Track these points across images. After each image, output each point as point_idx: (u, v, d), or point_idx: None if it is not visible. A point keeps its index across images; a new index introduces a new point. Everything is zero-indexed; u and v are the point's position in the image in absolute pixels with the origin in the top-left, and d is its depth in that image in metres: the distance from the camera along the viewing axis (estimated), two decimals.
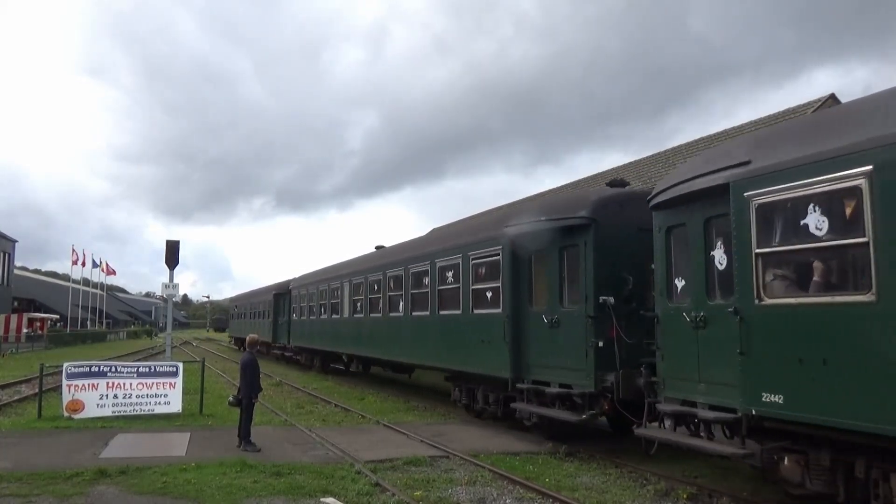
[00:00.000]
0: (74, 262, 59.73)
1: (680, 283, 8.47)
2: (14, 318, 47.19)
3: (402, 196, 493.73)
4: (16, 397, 18.17)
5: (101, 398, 13.85)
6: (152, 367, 14.83)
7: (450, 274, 14.39)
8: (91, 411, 13.68)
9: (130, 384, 14.15)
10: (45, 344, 47.28)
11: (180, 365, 14.96)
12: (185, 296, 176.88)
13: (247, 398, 11.28)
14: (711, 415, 7.44)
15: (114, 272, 73.88)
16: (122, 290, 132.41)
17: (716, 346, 7.61)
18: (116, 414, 13.83)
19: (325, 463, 9.93)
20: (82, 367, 14.22)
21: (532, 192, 32.21)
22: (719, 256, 7.74)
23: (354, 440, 11.87)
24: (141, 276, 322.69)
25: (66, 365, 14.19)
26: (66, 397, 13.76)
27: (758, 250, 6.90)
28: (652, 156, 25.40)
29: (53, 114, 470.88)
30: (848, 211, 6.10)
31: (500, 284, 12.28)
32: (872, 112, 6.14)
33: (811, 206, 6.36)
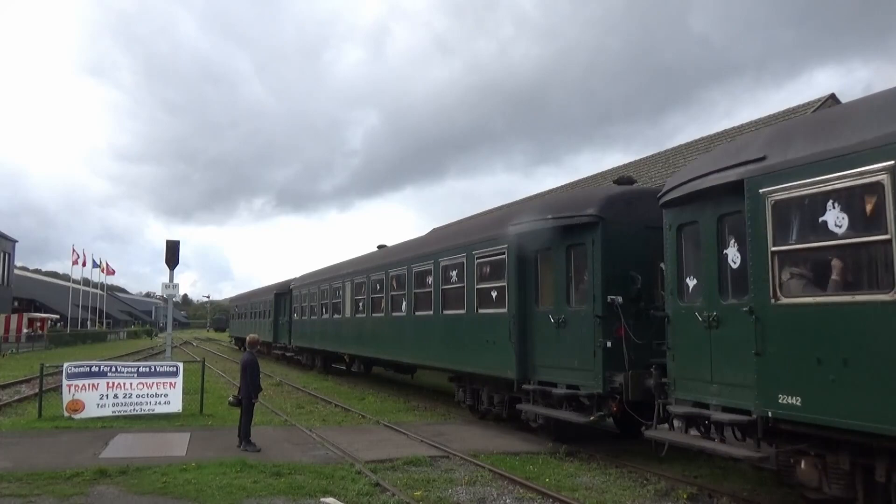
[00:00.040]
0: (74, 262, 59.70)
1: (691, 282, 8.29)
2: (14, 318, 47.15)
3: (402, 196, 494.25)
4: (16, 397, 18.17)
5: (101, 398, 13.83)
6: (152, 367, 14.84)
7: (454, 273, 14.21)
8: (91, 411, 13.67)
9: (130, 384, 14.14)
10: (45, 344, 47.26)
11: (180, 365, 14.98)
12: (185, 296, 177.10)
13: (247, 398, 11.25)
14: (726, 417, 7.26)
15: (113, 272, 73.85)
16: (123, 290, 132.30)
17: (729, 347, 7.44)
18: (116, 414, 13.81)
19: (325, 463, 9.91)
20: (82, 367, 14.20)
21: (533, 192, 32.09)
22: (733, 255, 7.57)
23: (354, 440, 11.84)
24: (141, 276, 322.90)
25: (66, 365, 14.17)
26: (67, 397, 13.75)
27: (774, 248, 6.72)
28: (652, 155, 25.34)
29: (54, 114, 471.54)
30: (868, 207, 5.92)
31: (505, 284, 12.11)
32: (894, 105, 5.97)
33: (830, 203, 6.19)
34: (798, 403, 6.36)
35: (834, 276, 6.26)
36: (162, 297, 36.26)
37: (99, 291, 72.63)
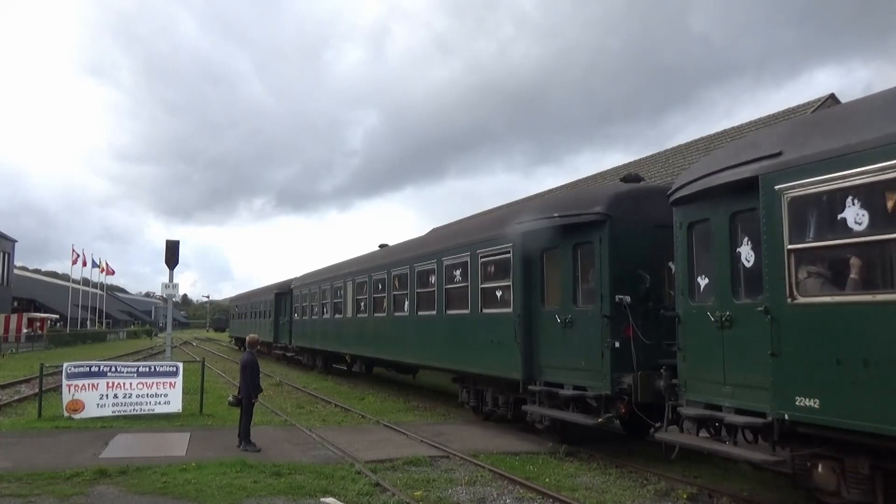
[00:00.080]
0: (74, 262, 59.53)
1: (703, 282, 8.12)
2: (14, 318, 47.08)
3: (402, 196, 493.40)
4: (16, 397, 18.14)
5: (101, 398, 13.81)
6: (152, 367, 14.84)
7: (457, 272, 14.04)
8: (91, 411, 13.64)
9: (130, 384, 14.11)
10: (45, 344, 47.22)
11: (180, 365, 14.97)
12: (185, 296, 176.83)
13: (247, 398, 11.22)
14: (741, 420, 7.08)
15: (113, 272, 73.73)
16: (122, 290, 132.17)
17: (743, 348, 7.26)
18: (116, 414, 13.78)
19: (325, 463, 9.89)
20: (82, 367, 14.18)
21: (533, 192, 31.99)
22: (746, 253, 7.39)
23: (354, 440, 11.81)
24: (141, 276, 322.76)
25: (66, 365, 14.14)
26: (66, 397, 13.72)
27: (790, 246, 6.55)
28: (652, 155, 25.27)
29: (54, 114, 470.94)
30: (890, 204, 5.74)
31: (510, 283, 11.93)
32: None
33: (849, 199, 6.01)
34: (816, 406, 6.18)
35: (853, 275, 6.08)
36: (162, 297, 36.14)
37: (99, 291, 72.51)
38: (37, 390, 15.76)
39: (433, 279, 15.22)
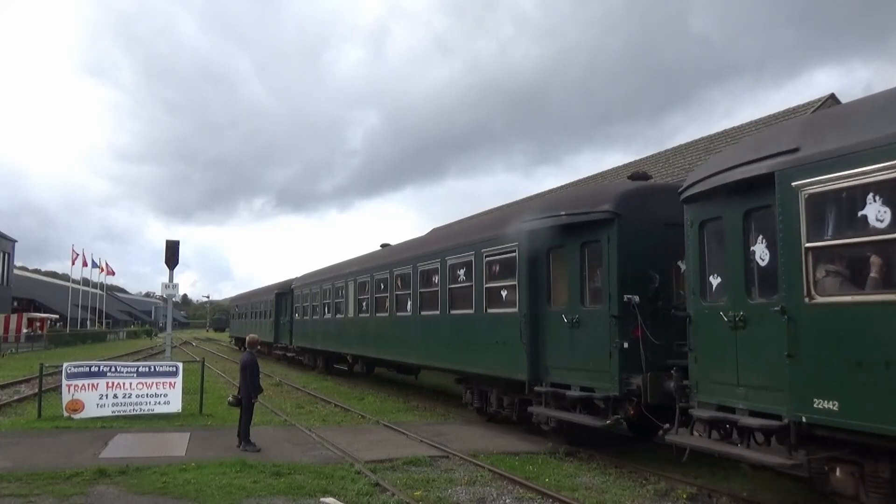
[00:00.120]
0: (74, 262, 59.37)
1: (715, 281, 7.95)
2: (14, 318, 46.98)
3: (402, 196, 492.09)
4: (16, 397, 18.11)
5: (100, 398, 13.78)
6: (152, 367, 14.86)
7: (461, 272, 13.87)
8: (91, 411, 13.61)
9: (130, 384, 14.09)
10: (45, 344, 47.12)
11: (180, 365, 14.98)
12: (185, 296, 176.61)
13: (247, 398, 11.21)
14: (756, 422, 6.90)
15: (113, 273, 73.58)
16: (122, 290, 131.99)
17: (757, 348, 7.09)
18: (116, 414, 13.75)
19: (325, 463, 9.87)
20: (82, 367, 14.16)
21: (533, 192, 31.89)
22: (761, 251, 7.23)
23: (354, 440, 11.79)
24: (141, 276, 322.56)
25: (65, 365, 14.12)
26: (66, 397, 13.70)
27: (808, 244, 6.38)
28: (652, 155, 25.17)
29: (54, 114, 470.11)
30: None
31: (516, 283, 11.76)
32: None
33: (870, 196, 5.84)
34: (835, 408, 6.01)
35: (873, 274, 5.92)
36: (162, 297, 36.01)
37: (99, 291, 72.36)
38: (37, 390, 15.75)
39: (436, 279, 15.06)
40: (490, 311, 12.67)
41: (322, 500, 7.92)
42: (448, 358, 14.48)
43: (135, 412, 13.90)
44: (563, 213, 10.64)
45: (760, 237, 7.23)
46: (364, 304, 20.30)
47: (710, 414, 7.62)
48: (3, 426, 13.03)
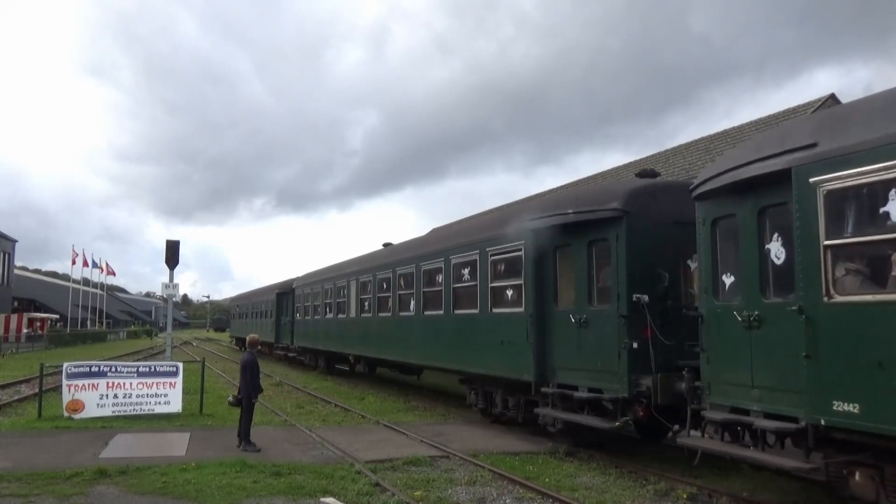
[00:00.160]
0: (74, 262, 59.20)
1: (728, 280, 7.78)
2: (14, 318, 46.85)
3: (402, 196, 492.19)
4: (16, 397, 18.08)
5: (101, 398, 13.77)
6: (152, 367, 14.86)
7: (466, 271, 13.70)
8: (91, 411, 13.60)
9: (130, 384, 14.07)
10: (45, 344, 47.00)
11: (180, 365, 14.98)
12: (185, 296, 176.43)
13: (247, 398, 11.20)
14: (772, 425, 6.72)
15: (114, 273, 73.41)
16: (122, 290, 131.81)
17: (773, 349, 6.92)
18: (116, 414, 13.74)
19: (325, 463, 9.87)
20: (82, 367, 14.15)
21: (533, 192, 31.77)
22: (776, 249, 7.05)
23: (354, 440, 11.78)
24: (141, 276, 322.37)
25: (66, 365, 14.11)
26: (66, 397, 13.68)
27: (826, 242, 6.21)
28: (652, 155, 25.10)
29: (54, 114, 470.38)
30: None
31: (521, 282, 11.58)
32: None
33: (893, 192, 5.67)
34: (856, 411, 5.84)
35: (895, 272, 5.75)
36: (162, 297, 35.87)
37: (99, 291, 72.19)
38: (37, 390, 15.73)
39: (440, 278, 14.88)
40: (495, 310, 12.49)
41: (322, 500, 7.91)
42: (452, 358, 14.31)
43: (135, 412, 13.88)
44: (570, 211, 10.46)
45: (776, 235, 7.07)
46: (366, 303, 20.13)
47: (723, 416, 7.45)
48: (4, 426, 13.02)
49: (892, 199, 5.67)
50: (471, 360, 13.33)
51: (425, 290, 15.74)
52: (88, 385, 13.73)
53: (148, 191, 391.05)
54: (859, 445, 6.10)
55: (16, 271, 59.68)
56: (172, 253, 22.18)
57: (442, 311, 14.68)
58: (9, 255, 54.51)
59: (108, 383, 13.87)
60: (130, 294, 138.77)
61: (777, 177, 6.81)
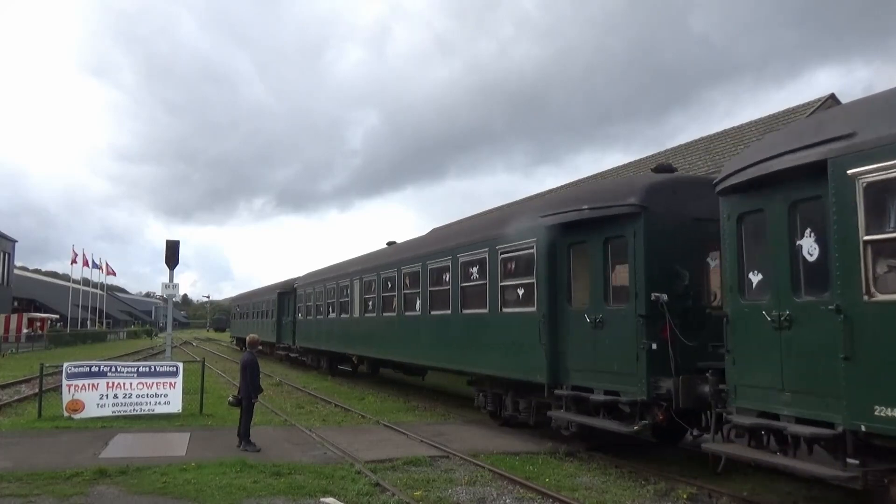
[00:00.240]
0: (74, 262, 58.91)
1: (755, 278, 7.44)
2: (14, 318, 46.65)
3: (403, 196, 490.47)
4: (16, 397, 18.03)
5: (101, 398, 13.74)
6: (152, 367, 14.85)
7: (474, 269, 13.36)
8: (91, 411, 13.57)
9: (130, 384, 14.03)
10: (45, 344, 46.87)
11: (180, 365, 14.97)
12: (185, 296, 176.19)
13: (247, 398, 11.19)
14: (806, 430, 6.38)
15: (114, 273, 73.13)
16: (122, 290, 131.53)
17: (805, 350, 6.59)
18: (116, 414, 13.71)
19: (325, 463, 9.86)
20: (82, 367, 14.14)
21: (533, 192, 31.56)
22: (808, 246, 6.73)
23: (354, 440, 11.77)
24: (141, 276, 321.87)
25: (66, 365, 14.11)
26: (66, 397, 13.67)
27: (866, 238, 5.89)
28: (652, 155, 24.87)
29: (54, 113, 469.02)
30: None
31: (534, 281, 11.23)
32: None
33: None
34: None
35: None
36: (162, 297, 35.60)
37: (99, 291, 71.94)
38: (37, 390, 15.69)
39: (447, 277, 14.55)
40: (505, 310, 12.15)
41: (322, 500, 7.88)
42: (460, 359, 13.96)
43: (135, 412, 13.83)
44: (585, 206, 10.12)
45: (808, 230, 6.74)
46: (370, 303, 19.80)
47: (752, 421, 7.12)
48: (4, 426, 12.97)
49: None
50: (480, 361, 12.99)
51: (432, 289, 15.41)
52: (88, 385, 13.70)
53: (148, 191, 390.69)
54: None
55: (16, 271, 59.56)
56: (172, 253, 22.11)
57: (449, 311, 14.34)
58: (9, 255, 54.34)
59: (108, 383, 13.84)
60: (130, 294, 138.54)
61: (810, 169, 6.49)
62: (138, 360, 23.00)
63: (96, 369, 14.09)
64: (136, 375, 14.17)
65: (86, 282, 67.96)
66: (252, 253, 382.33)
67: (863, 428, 5.80)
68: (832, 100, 18.36)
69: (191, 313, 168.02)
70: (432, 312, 15.32)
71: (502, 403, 12.85)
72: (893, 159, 5.69)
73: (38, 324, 55.42)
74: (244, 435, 11.00)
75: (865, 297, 5.84)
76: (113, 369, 14.26)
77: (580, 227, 10.33)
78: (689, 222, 9.32)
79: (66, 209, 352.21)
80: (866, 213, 5.90)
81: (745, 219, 7.61)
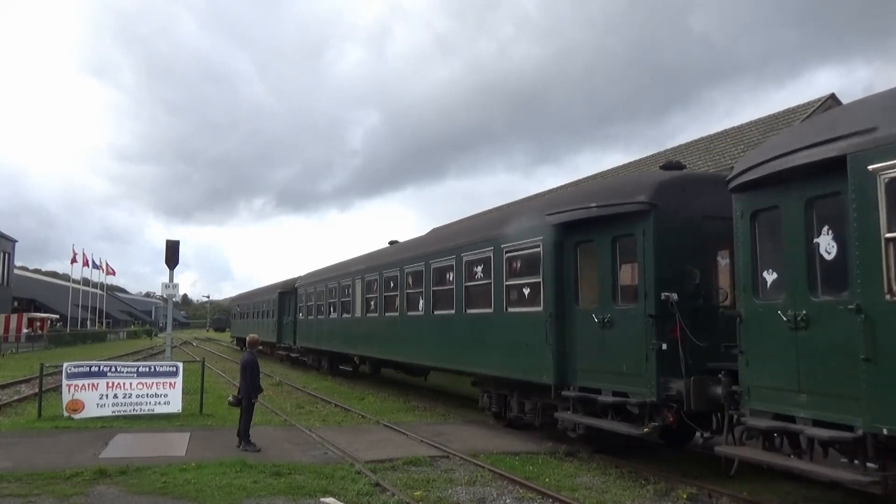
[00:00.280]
0: (73, 262, 58.75)
1: (770, 277, 7.27)
2: (14, 318, 46.51)
3: (403, 196, 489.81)
4: (16, 397, 18.01)
5: (101, 398, 13.72)
6: (152, 367, 14.82)
7: (479, 269, 13.18)
8: (91, 411, 13.55)
9: (130, 384, 14.01)
10: (45, 344, 46.77)
11: (180, 365, 14.93)
12: (185, 296, 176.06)
13: (246, 398, 11.18)
14: (825, 434, 6.21)
15: (114, 273, 72.99)
16: (122, 290, 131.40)
17: (823, 351, 6.41)
18: (116, 414, 13.68)
19: (325, 463, 9.86)
20: (82, 366, 14.12)
21: (533, 192, 31.45)
22: (826, 244, 6.55)
23: (354, 440, 11.77)
24: (141, 276, 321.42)
25: (66, 365, 14.10)
26: (66, 397, 13.65)
27: (889, 235, 5.72)
28: (652, 155, 24.77)
29: (54, 113, 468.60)
30: None
31: (540, 280, 11.05)
32: None
33: None
34: None
35: None
36: (162, 297, 35.47)
37: (99, 291, 71.81)
38: (37, 390, 15.66)
39: (451, 276, 14.37)
40: (511, 310, 11.98)
41: (322, 500, 7.88)
42: (464, 360, 13.79)
43: (135, 412, 13.79)
44: (593, 204, 9.94)
45: (826, 228, 6.57)
46: (372, 303, 19.63)
47: (767, 423, 6.94)
48: (3, 426, 12.94)
49: None
50: (484, 362, 12.82)
51: (435, 288, 15.23)
52: (88, 385, 13.66)
53: (148, 191, 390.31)
54: None
55: (16, 271, 59.42)
56: (172, 253, 22.04)
57: (453, 311, 14.17)
58: (9, 255, 54.20)
59: (107, 383, 13.79)
60: (130, 294, 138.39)
61: (828, 165, 6.32)
62: (138, 360, 22.89)
63: (96, 369, 14.05)
64: (135, 375, 14.13)
65: (86, 282, 67.88)
66: (252, 253, 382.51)
67: (884, 431, 5.63)
68: (832, 100, 18.39)
69: (191, 313, 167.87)
70: (436, 312, 15.15)
71: (507, 404, 12.68)
72: None
73: (38, 324, 55.29)
74: (244, 435, 10.99)
75: (887, 297, 5.68)
76: (113, 369, 14.22)
77: (588, 226, 10.16)
78: (698, 220, 9.17)
79: (66, 209, 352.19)
80: (888, 209, 5.74)
81: (759, 216, 7.44)
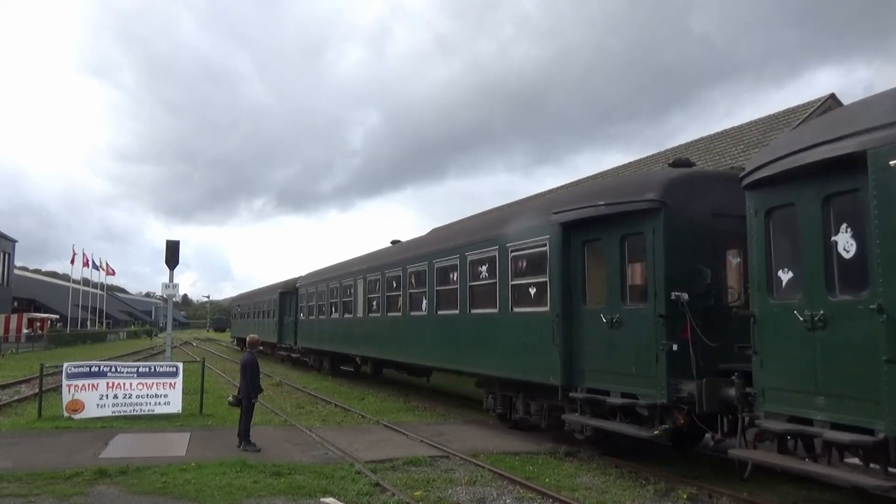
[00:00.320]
0: (73, 262, 58.61)
1: (785, 276, 7.10)
2: (14, 318, 46.47)
3: (403, 196, 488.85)
4: (16, 397, 18.01)
5: (101, 398, 13.71)
6: (152, 368, 14.79)
7: (483, 268, 13.01)
8: (91, 411, 13.54)
9: (130, 384, 13.98)
10: (45, 344, 46.68)
11: (180, 365, 14.92)
12: (185, 296, 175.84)
13: (247, 398, 11.17)
14: (845, 437, 6.04)
15: (114, 273, 72.84)
16: (122, 290, 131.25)
17: (842, 352, 6.24)
18: (116, 414, 13.67)
19: (325, 463, 9.86)
20: (82, 367, 14.12)
21: (533, 192, 31.34)
22: (844, 242, 6.39)
23: (354, 440, 11.76)
24: (141, 276, 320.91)
25: (66, 365, 14.09)
26: (66, 397, 13.64)
27: None
28: (652, 155, 24.54)
29: (54, 113, 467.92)
30: None
31: (546, 279, 10.88)
32: None
33: None
34: None
35: None
36: (162, 297, 35.30)
37: (99, 291, 71.66)
38: (37, 390, 15.65)
39: (455, 276, 14.21)
40: (517, 309, 11.80)
41: (322, 500, 7.88)
42: (468, 360, 13.62)
43: (135, 412, 13.75)
44: (601, 202, 9.77)
45: (844, 225, 6.40)
46: (374, 303, 19.46)
47: (783, 426, 6.77)
48: (4, 426, 12.93)
49: None
50: (489, 362, 12.65)
51: (439, 288, 15.06)
52: (88, 385, 13.62)
53: (148, 191, 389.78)
54: None
55: (16, 271, 59.35)
56: (172, 253, 21.86)
57: (457, 311, 14.00)
58: (9, 255, 54.10)
59: (108, 383, 13.75)
60: (130, 294, 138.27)
61: (847, 161, 6.16)
62: (138, 361, 22.85)
63: (96, 369, 14.01)
64: (135, 376, 14.10)
65: (86, 282, 67.73)
66: (252, 253, 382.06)
67: None
68: (832, 100, 18.20)
69: (191, 313, 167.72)
70: (439, 312, 14.98)
71: (512, 406, 12.51)
72: None
73: (38, 324, 55.25)
74: (244, 435, 10.97)
75: None
76: (113, 369, 14.17)
77: (595, 224, 10.00)
78: (709, 218, 9.01)
79: (66, 209, 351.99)
80: None
81: (773, 214, 7.27)
